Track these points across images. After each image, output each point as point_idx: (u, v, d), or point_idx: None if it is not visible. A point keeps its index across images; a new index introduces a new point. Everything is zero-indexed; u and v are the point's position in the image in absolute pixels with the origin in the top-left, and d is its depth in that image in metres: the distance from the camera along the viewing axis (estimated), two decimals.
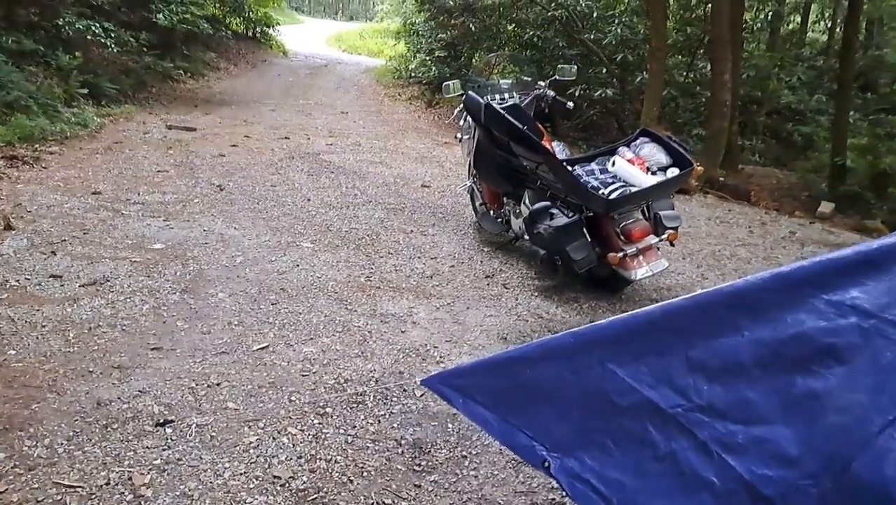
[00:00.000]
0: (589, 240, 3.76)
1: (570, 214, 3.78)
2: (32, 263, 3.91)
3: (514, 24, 12.61)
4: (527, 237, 4.22)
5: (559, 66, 5.11)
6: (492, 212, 4.91)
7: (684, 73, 10.94)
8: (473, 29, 11.50)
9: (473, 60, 15.04)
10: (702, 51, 10.49)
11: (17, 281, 3.64)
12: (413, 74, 14.85)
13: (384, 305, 3.70)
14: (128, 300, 3.51)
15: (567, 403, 1.68)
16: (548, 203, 3.89)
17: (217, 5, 15.25)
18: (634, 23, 10.77)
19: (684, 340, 1.42)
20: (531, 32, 11.78)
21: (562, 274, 3.97)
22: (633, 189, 3.69)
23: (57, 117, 7.71)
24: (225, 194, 5.81)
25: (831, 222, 7.57)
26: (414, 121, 12.32)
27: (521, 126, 4.02)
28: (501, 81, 4.94)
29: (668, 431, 1.43)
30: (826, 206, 8.36)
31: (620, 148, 4.04)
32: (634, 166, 3.79)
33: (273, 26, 18.62)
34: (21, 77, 7.79)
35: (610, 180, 3.78)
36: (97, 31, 9.27)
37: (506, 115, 4.05)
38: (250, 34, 18.22)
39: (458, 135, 5.21)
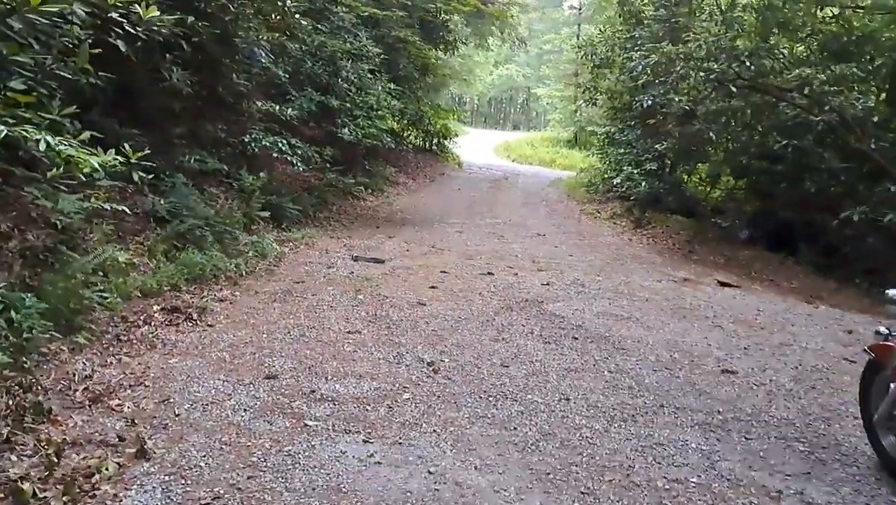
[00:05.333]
0: None
1: None
2: None
3: (751, 131, 10.36)
4: None
5: None
6: None
7: None
8: (712, 137, 9.32)
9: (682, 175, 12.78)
10: None
11: None
12: (613, 189, 12.93)
13: None
14: None
15: None
16: None
17: (397, 118, 14.54)
18: None
19: None
20: (781, 141, 9.46)
21: None
22: None
23: (233, 246, 6.51)
24: (442, 382, 3.94)
25: None
26: (627, 245, 10.19)
27: None
28: None
29: None
30: None
31: None
32: None
33: (451, 138, 17.81)
34: (200, 201, 6.76)
35: None
36: (284, 148, 8.31)
37: None
38: (428, 147, 17.48)
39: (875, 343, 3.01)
